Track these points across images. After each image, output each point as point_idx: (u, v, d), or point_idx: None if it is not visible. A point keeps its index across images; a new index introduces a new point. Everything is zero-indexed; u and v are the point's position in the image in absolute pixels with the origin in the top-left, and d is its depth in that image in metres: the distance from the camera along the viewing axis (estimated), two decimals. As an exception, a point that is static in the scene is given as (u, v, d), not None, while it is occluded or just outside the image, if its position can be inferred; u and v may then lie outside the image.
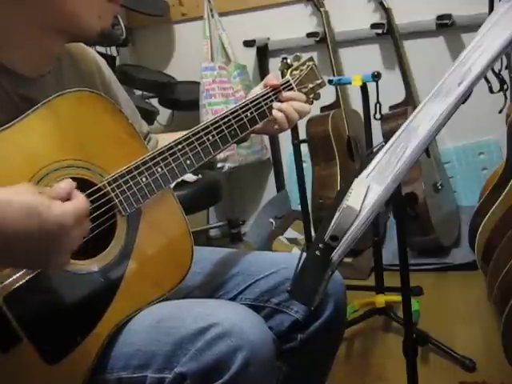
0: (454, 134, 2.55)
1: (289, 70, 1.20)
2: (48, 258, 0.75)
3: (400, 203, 1.04)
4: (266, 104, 1.13)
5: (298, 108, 1.15)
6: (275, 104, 1.14)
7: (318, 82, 1.23)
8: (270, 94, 1.15)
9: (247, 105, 1.10)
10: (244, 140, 1.18)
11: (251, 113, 1.10)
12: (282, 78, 1.19)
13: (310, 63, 1.22)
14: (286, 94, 1.16)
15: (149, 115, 2.55)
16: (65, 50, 1.04)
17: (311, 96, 1.22)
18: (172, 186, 1.02)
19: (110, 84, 1.15)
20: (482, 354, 1.73)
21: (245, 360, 0.84)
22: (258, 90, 1.17)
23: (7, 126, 0.86)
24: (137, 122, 1.17)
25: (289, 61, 1.21)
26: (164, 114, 2.89)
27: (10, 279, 0.80)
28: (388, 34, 2.52)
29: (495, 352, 1.55)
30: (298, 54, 1.23)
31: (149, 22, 2.86)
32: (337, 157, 2.44)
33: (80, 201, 0.77)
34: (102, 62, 1.16)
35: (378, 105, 1.76)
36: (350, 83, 1.76)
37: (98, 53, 1.17)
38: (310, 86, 1.21)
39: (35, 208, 0.72)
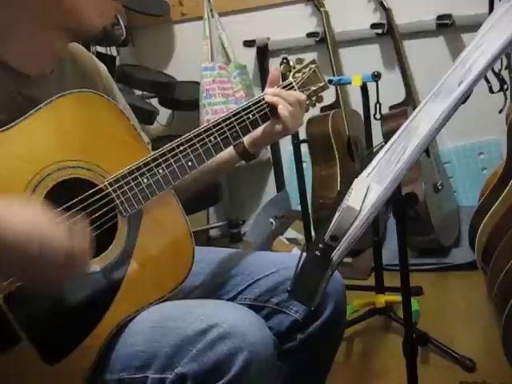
0: (453, 134, 2.55)
1: (291, 73, 1.18)
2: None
3: (400, 203, 1.04)
4: (268, 106, 1.11)
5: (292, 94, 1.13)
6: (267, 91, 1.12)
7: (321, 84, 1.21)
8: None
9: (250, 107, 1.10)
10: (253, 157, 1.18)
11: (253, 115, 1.10)
12: (284, 80, 1.18)
13: (313, 66, 1.20)
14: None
15: (149, 115, 2.55)
16: (68, 53, 1.05)
17: (314, 99, 1.21)
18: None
19: (112, 92, 1.15)
20: (482, 353, 1.73)
21: (245, 361, 0.84)
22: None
23: (10, 125, 0.86)
24: None
25: (291, 63, 1.19)
26: (164, 114, 2.88)
27: (11, 279, 0.81)
28: (388, 34, 2.52)
29: (495, 352, 1.54)
30: (300, 56, 1.22)
31: (149, 21, 2.85)
32: (337, 157, 2.44)
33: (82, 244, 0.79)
34: (104, 69, 1.16)
35: (378, 105, 1.76)
36: (350, 83, 1.76)
37: (98, 53, 1.18)
38: (313, 88, 1.19)
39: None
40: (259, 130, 1.13)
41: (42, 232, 0.75)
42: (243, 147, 1.15)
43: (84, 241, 0.79)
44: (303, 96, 1.14)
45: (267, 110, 1.11)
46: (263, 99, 1.11)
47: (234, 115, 1.07)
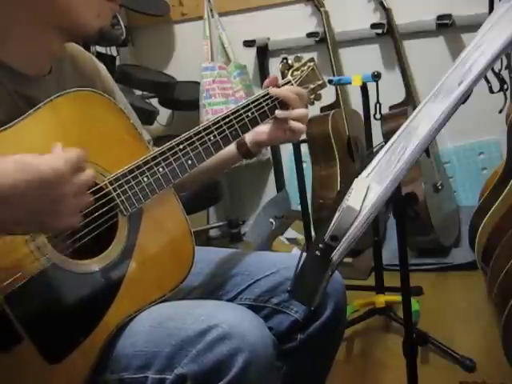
0: (453, 134, 2.55)
1: (290, 71, 1.19)
2: (54, 213, 0.74)
3: (400, 203, 1.04)
4: (267, 104, 1.12)
5: (294, 88, 1.14)
6: (271, 89, 1.13)
7: (319, 82, 1.22)
8: None
9: (248, 105, 1.10)
10: (253, 155, 1.18)
11: (252, 113, 1.10)
12: (283, 78, 1.19)
13: (311, 64, 1.21)
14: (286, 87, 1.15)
15: (149, 115, 2.55)
16: (66, 52, 1.05)
17: (312, 97, 1.22)
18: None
19: (113, 92, 1.15)
20: (482, 354, 1.73)
21: (245, 362, 0.84)
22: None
23: (9, 125, 0.86)
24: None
25: (290, 61, 1.20)
26: (164, 114, 2.89)
27: (12, 278, 0.80)
28: (388, 34, 2.52)
29: (495, 352, 1.54)
30: (298, 55, 1.23)
31: (149, 21, 2.86)
32: (337, 157, 2.44)
33: (71, 151, 0.76)
34: (104, 70, 1.16)
35: (378, 105, 1.76)
36: (350, 83, 1.76)
37: (98, 53, 1.17)
38: (311, 86, 1.20)
39: (28, 162, 0.71)
40: (264, 132, 1.14)
41: (27, 159, 0.72)
42: (246, 147, 1.16)
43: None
44: (303, 90, 1.16)
45: (266, 108, 1.12)
46: (263, 98, 1.12)
47: (234, 113, 1.08)
